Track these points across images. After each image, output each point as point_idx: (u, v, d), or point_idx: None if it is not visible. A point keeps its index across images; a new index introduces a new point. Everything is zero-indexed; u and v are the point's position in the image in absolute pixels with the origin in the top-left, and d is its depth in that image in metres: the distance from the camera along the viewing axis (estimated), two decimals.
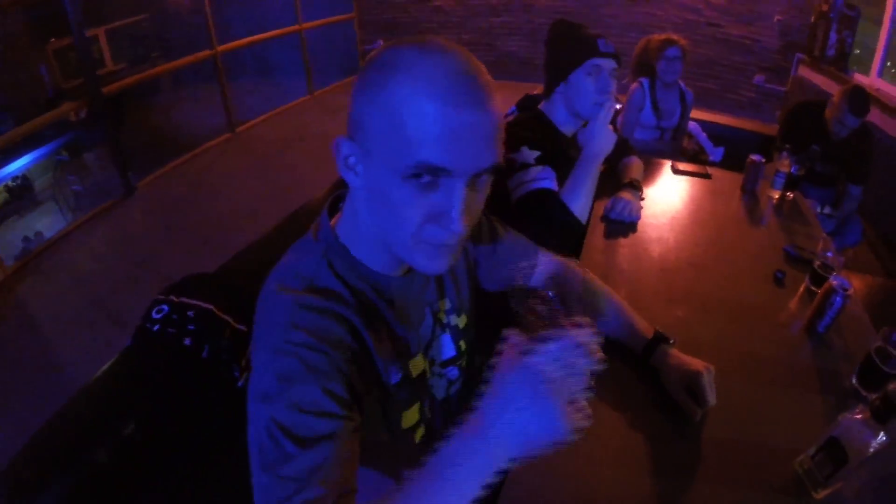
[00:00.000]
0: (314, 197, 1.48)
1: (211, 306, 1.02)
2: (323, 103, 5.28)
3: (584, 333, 0.46)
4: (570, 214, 1.27)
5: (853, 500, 0.78)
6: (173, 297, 1.01)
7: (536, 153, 1.27)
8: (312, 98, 5.37)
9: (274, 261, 0.69)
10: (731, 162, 2.50)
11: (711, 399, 0.85)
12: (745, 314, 1.23)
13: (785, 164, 1.82)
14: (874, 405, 0.75)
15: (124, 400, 0.89)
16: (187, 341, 0.98)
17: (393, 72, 0.53)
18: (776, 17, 4.45)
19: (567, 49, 1.30)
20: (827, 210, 2.58)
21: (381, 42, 5.54)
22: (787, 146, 1.86)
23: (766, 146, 2.70)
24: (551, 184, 1.28)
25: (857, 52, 4.13)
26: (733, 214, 1.81)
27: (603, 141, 1.28)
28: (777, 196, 1.87)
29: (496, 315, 0.80)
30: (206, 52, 4.14)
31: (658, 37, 2.52)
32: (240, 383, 1.04)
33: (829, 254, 1.34)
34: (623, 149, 1.77)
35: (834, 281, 1.16)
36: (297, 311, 0.56)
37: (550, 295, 0.65)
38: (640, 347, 0.96)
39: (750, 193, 1.89)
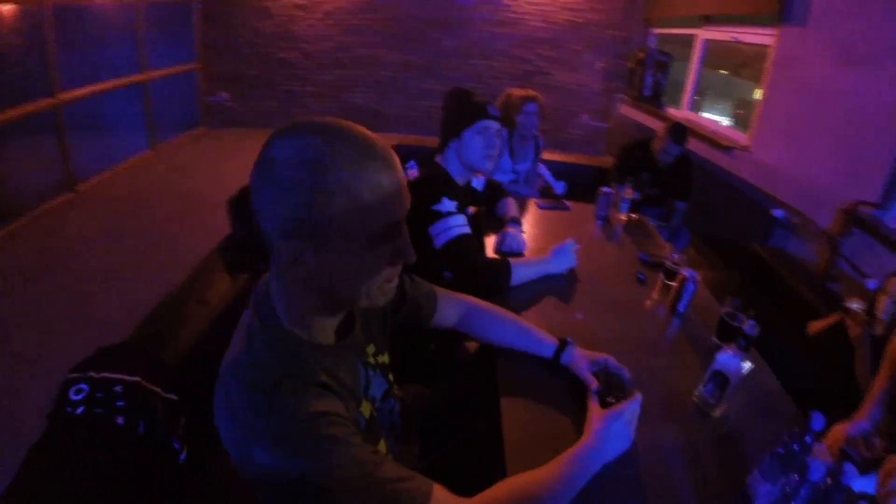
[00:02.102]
0: (203, 259, 1.58)
1: (137, 378, 1.05)
2: (167, 158, 5.11)
3: (635, 404, 1.04)
4: (487, 257, 1.65)
5: (738, 411, 1.26)
6: (92, 374, 1.02)
7: (455, 202, 1.58)
8: (154, 152, 5.13)
9: (182, 325, 0.79)
10: (574, 193, 3.12)
11: (626, 372, 1.21)
12: (623, 309, 1.74)
13: (629, 192, 2.52)
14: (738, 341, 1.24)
15: (56, 497, 0.88)
16: (120, 420, 0.99)
17: (322, 163, 0.63)
18: (599, 65, 5.62)
19: (461, 111, 1.66)
20: (661, 224, 3.33)
21: (226, 95, 5.62)
22: (630, 178, 2.46)
23: (600, 177, 3.43)
24: (469, 229, 1.60)
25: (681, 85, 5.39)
26: (594, 236, 2.33)
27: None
28: (625, 218, 2.53)
29: (407, 347, 1.21)
30: (49, 101, 3.80)
31: (518, 92, 3.05)
32: (182, 457, 1.07)
33: (675, 255, 1.92)
34: (498, 192, 2.17)
35: (686, 273, 1.72)
36: (306, 401, 0.66)
37: (624, 377, 1.18)
38: (550, 353, 1.27)
39: (603, 219, 2.47)
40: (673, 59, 5.14)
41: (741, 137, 4.11)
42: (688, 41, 4.85)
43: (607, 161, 5.11)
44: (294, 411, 0.64)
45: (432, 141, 3.65)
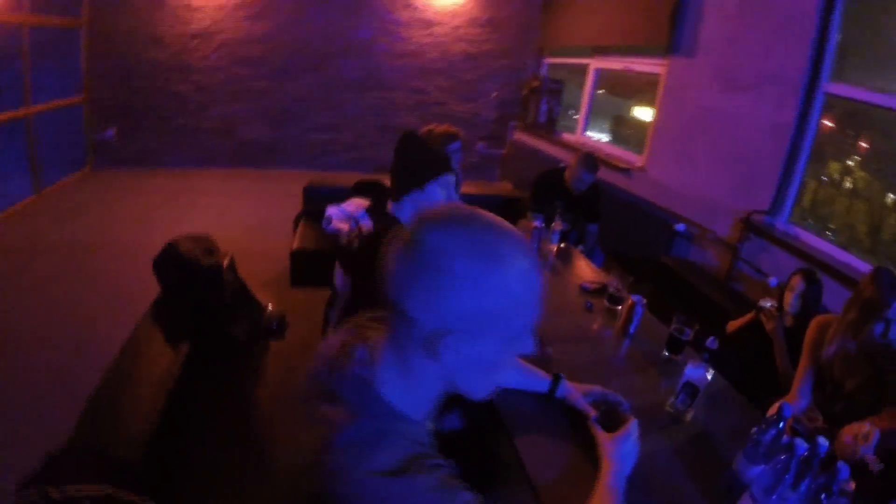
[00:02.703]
0: (134, 328, 1.50)
1: (106, 488, 0.96)
2: (55, 204, 4.53)
3: (634, 424, 1.18)
4: None
5: (703, 414, 1.48)
6: (51, 491, 0.91)
7: None
8: (40, 197, 4.53)
9: (132, 412, 0.78)
10: None
11: (621, 398, 1.36)
12: (580, 337, 1.92)
13: (558, 224, 2.75)
14: (701, 352, 1.41)
15: None
16: None
17: (494, 258, 0.64)
18: (493, 94, 6.02)
19: (425, 162, 1.71)
20: (580, 248, 3.61)
21: (113, 131, 5.16)
22: (569, 214, 2.70)
23: (507, 206, 3.68)
24: None
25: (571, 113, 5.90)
26: None
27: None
28: (555, 248, 2.75)
29: None
30: None
31: (439, 128, 3.13)
32: None
33: (613, 282, 2.16)
34: None
35: (634, 298, 1.92)
36: (430, 479, 0.67)
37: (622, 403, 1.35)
38: (545, 388, 1.40)
39: (537, 251, 2.68)
40: (564, 86, 5.67)
41: (636, 159, 4.61)
42: (577, 67, 5.40)
43: (507, 187, 5.47)
44: (432, 487, 0.66)
45: (344, 177, 3.72)
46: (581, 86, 5.38)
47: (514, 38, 5.77)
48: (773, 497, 1.06)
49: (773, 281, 3.29)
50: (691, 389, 1.43)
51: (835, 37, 3.10)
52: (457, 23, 5.45)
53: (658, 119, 4.33)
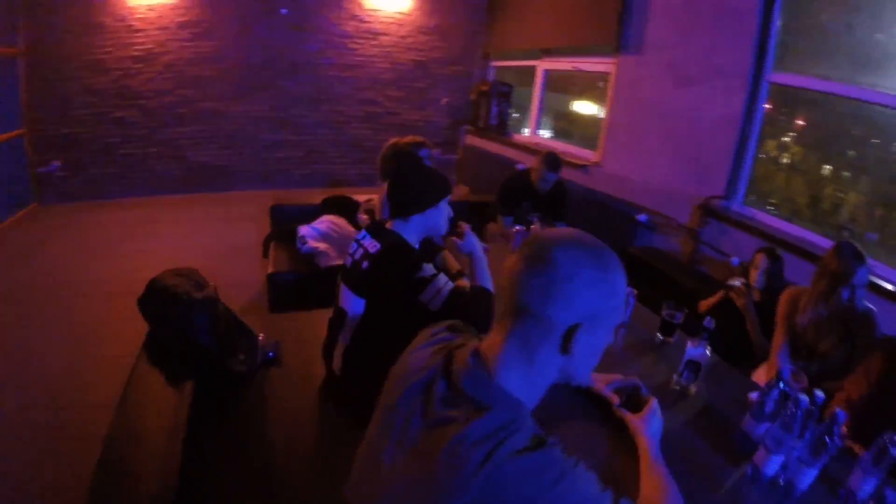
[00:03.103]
0: (130, 373, 1.50)
1: None
2: (3, 246, 4.22)
3: (656, 403, 1.35)
4: (485, 291, 1.78)
5: (704, 386, 1.69)
6: None
7: (430, 266, 1.73)
8: None
9: (148, 463, 0.85)
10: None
11: (639, 381, 1.50)
12: None
13: (538, 227, 2.91)
14: (700, 332, 1.64)
15: None
16: None
17: (609, 266, 0.85)
18: (443, 101, 6.16)
19: (432, 186, 1.80)
20: None
21: (58, 163, 4.88)
22: (537, 214, 2.82)
23: (475, 210, 3.79)
24: (452, 283, 1.75)
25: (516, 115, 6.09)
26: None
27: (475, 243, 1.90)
28: None
29: None
30: None
31: (405, 140, 3.20)
32: None
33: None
34: (433, 248, 2.45)
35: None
36: (559, 449, 0.79)
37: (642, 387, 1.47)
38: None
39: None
40: (514, 88, 5.86)
41: (591, 155, 4.83)
42: (524, 69, 5.60)
43: (464, 191, 5.59)
44: (564, 456, 0.78)
45: (307, 195, 3.72)
46: (524, 87, 5.59)
47: (462, 45, 5.92)
48: (784, 448, 1.26)
49: (734, 260, 3.55)
50: (694, 366, 1.64)
51: (776, 29, 3.39)
52: (404, 32, 5.55)
53: (610, 115, 4.55)
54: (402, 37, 5.56)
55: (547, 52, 5.30)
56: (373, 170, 5.90)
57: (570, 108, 5.82)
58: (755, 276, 2.72)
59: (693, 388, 1.67)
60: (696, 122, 3.87)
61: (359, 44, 5.41)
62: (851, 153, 3.62)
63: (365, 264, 1.71)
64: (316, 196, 3.59)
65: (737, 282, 2.73)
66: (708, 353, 1.65)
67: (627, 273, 2.12)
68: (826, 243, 3.35)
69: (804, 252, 3.18)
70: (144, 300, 1.72)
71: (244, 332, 1.91)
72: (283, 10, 5.04)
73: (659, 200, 4.14)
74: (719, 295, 2.81)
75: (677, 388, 1.67)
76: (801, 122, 3.74)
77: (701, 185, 3.84)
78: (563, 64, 5.18)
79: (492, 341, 0.86)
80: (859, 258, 2.08)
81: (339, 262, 3.03)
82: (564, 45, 5.02)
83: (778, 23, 3.38)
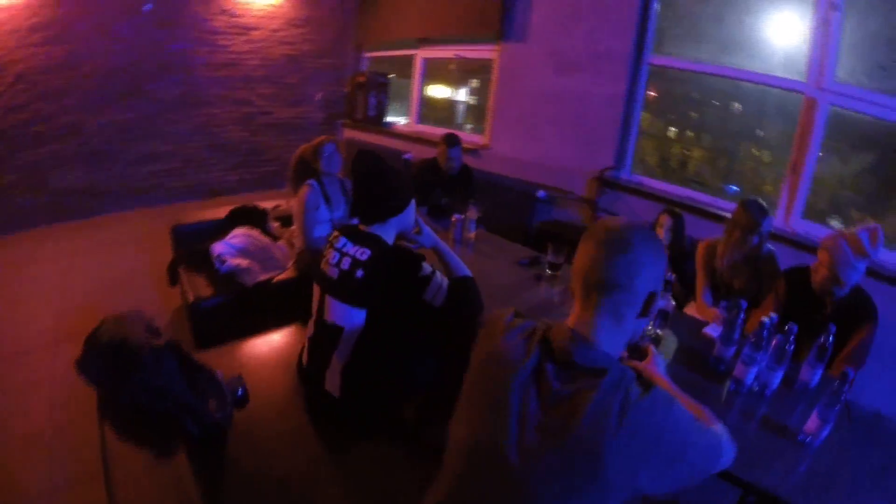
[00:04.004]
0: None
1: None
2: None
3: (654, 348, 1.47)
4: (470, 279, 1.80)
5: (670, 330, 2.03)
6: None
7: (427, 264, 1.67)
8: None
9: None
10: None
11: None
12: (546, 304, 2.25)
13: (473, 213, 2.94)
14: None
15: None
16: None
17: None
18: (318, 95, 5.85)
19: (405, 187, 1.76)
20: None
21: None
22: (448, 199, 2.83)
23: None
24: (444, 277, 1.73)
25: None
26: (464, 255, 2.60)
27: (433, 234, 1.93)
28: (473, 236, 2.98)
29: None
30: None
31: (312, 144, 3.02)
32: None
33: (550, 256, 2.51)
34: None
35: None
36: (658, 385, 0.95)
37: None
38: None
39: (461, 241, 2.87)
40: (391, 79, 5.76)
41: (479, 139, 4.91)
42: (399, 59, 5.54)
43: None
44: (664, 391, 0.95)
45: (201, 209, 3.29)
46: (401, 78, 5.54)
47: (334, 36, 5.64)
48: (756, 361, 1.69)
49: None
50: (664, 315, 1.97)
51: (655, 15, 3.71)
52: (275, 25, 5.13)
53: (496, 100, 4.65)
54: (274, 30, 5.15)
55: (425, 41, 5.26)
56: (253, 175, 5.55)
57: (426, 92, 5.82)
58: (661, 234, 3.01)
59: (662, 334, 1.99)
60: (583, 103, 4.11)
61: (230, 40, 4.89)
62: (694, 115, 4.13)
63: (360, 273, 1.58)
64: (220, 210, 3.23)
65: None
66: (672, 302, 2.02)
67: (541, 247, 2.48)
68: (703, 198, 3.81)
69: (689, 207, 3.59)
70: (88, 362, 1.41)
71: (205, 373, 1.66)
72: (147, 6, 4.35)
73: (554, 176, 4.35)
74: None
75: (651, 335, 1.95)
76: (651, 93, 4.10)
77: (593, 159, 4.10)
78: (443, 52, 5.18)
79: (580, 317, 1.00)
80: (764, 211, 2.45)
81: (266, 276, 2.78)
82: (445, 34, 5.01)
83: (656, 7, 3.70)
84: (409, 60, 5.57)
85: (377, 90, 5.69)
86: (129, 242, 4.01)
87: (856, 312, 2.06)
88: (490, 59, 4.68)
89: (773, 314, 1.79)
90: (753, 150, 4.04)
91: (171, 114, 4.74)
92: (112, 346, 1.42)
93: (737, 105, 3.95)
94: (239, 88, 5.10)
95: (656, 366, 1.45)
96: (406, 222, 1.80)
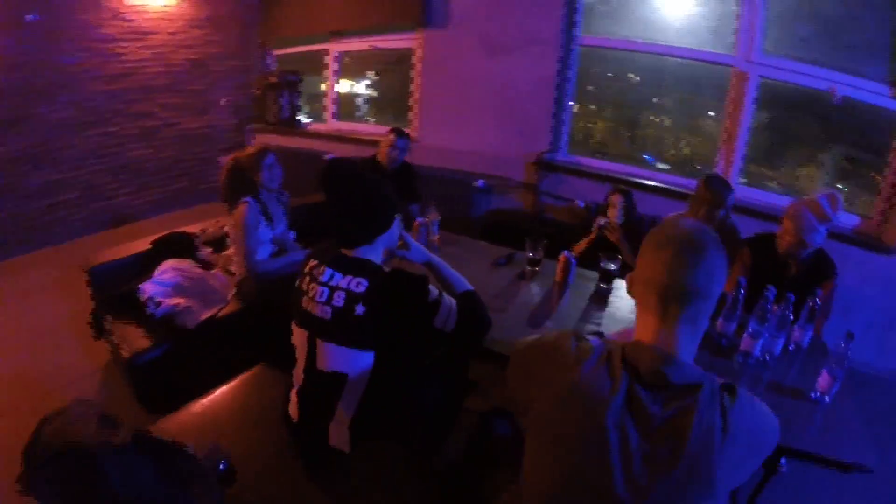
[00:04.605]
0: None
1: None
2: None
3: None
4: (474, 294, 1.62)
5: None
6: None
7: (431, 286, 1.45)
8: None
9: None
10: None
11: None
12: (530, 300, 2.19)
13: (435, 215, 2.72)
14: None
15: None
16: None
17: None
18: (226, 101, 5.27)
19: (390, 199, 1.52)
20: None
21: None
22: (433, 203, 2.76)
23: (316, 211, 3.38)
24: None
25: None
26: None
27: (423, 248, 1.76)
28: (437, 238, 2.75)
29: None
30: None
31: (244, 152, 2.61)
32: None
33: (529, 252, 2.39)
34: None
35: (566, 254, 2.28)
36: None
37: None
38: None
39: (427, 247, 2.62)
40: (303, 76, 5.32)
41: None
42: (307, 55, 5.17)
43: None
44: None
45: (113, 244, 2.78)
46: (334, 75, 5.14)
47: (239, 36, 5.09)
48: (762, 333, 1.74)
49: (580, 203, 3.80)
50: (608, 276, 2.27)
51: None
52: (174, 28, 4.49)
53: (420, 91, 4.41)
54: (174, 33, 4.51)
55: (338, 34, 4.88)
56: (163, 195, 4.92)
57: (315, 87, 5.51)
58: (614, 213, 2.98)
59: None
60: (514, 87, 3.99)
61: (125, 47, 4.20)
62: (593, 88, 4.14)
63: (360, 309, 1.34)
64: (141, 244, 2.75)
65: (601, 220, 2.98)
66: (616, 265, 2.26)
67: (491, 238, 2.73)
68: (643, 172, 3.83)
69: (629, 183, 3.60)
70: (33, 480, 1.04)
71: (181, 456, 1.32)
72: (32, 17, 3.58)
73: (490, 164, 4.21)
74: (592, 236, 2.99)
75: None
76: None
77: (528, 143, 4.00)
78: (358, 44, 4.83)
79: (659, 332, 0.93)
80: (728, 186, 2.51)
81: (209, 313, 2.41)
82: (361, 26, 4.66)
83: None
84: (314, 56, 5.20)
85: (289, 90, 5.24)
86: (38, 290, 3.36)
87: (818, 271, 2.20)
88: (410, 48, 4.44)
89: (741, 279, 1.94)
90: (653, 118, 4.16)
91: (64, 138, 4.02)
92: (60, 456, 1.06)
93: (633, 76, 4.02)
94: (138, 101, 4.44)
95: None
96: (393, 239, 1.57)
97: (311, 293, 1.40)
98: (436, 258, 1.70)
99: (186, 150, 5.03)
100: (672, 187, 3.59)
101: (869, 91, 3.09)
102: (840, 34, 3.19)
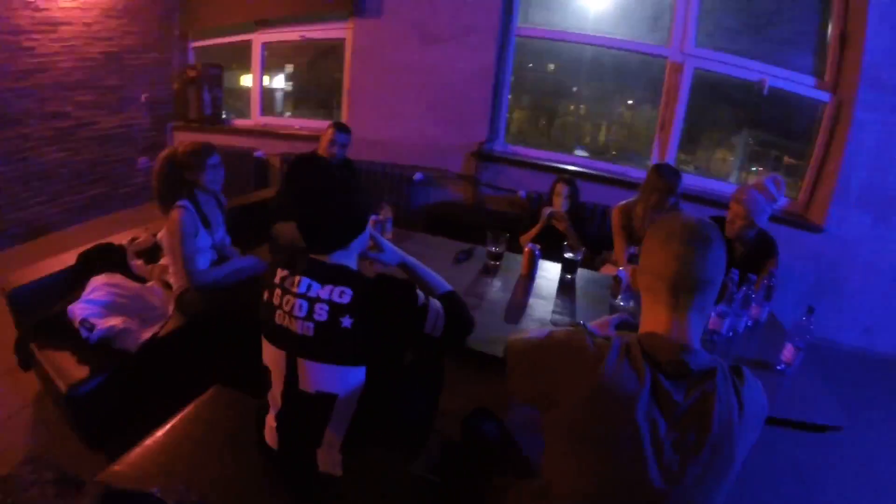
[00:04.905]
0: None
1: None
2: None
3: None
4: (455, 294, 1.54)
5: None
6: None
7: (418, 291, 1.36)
8: None
9: None
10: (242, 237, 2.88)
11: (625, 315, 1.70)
12: (499, 294, 2.17)
13: (388, 212, 2.60)
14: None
15: None
16: None
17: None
18: (143, 97, 4.84)
19: (367, 203, 1.41)
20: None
21: None
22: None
23: (254, 213, 3.19)
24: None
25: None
26: None
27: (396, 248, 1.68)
28: (392, 235, 2.65)
29: None
30: None
31: (184, 148, 2.34)
32: None
33: (490, 246, 2.40)
34: None
35: (530, 246, 2.32)
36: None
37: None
38: None
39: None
40: (224, 69, 4.98)
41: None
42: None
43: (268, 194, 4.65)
44: None
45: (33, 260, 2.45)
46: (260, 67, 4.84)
47: (157, 26, 4.68)
48: (728, 314, 1.84)
49: (523, 193, 3.81)
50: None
51: None
52: (89, 18, 4.03)
53: (352, 82, 4.27)
54: (88, 24, 4.05)
55: (264, 24, 4.60)
56: (80, 202, 4.47)
57: (229, 82, 5.25)
58: (560, 202, 3.02)
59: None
60: (450, 78, 3.95)
61: (36, 40, 3.71)
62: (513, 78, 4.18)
63: (346, 322, 1.22)
64: (37, 257, 2.43)
65: (549, 210, 3.01)
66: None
67: (433, 232, 2.84)
68: (580, 161, 3.90)
69: (568, 171, 3.67)
70: None
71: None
72: None
73: (427, 156, 4.16)
74: (540, 225, 3.02)
75: (630, 311, 1.96)
76: None
77: (465, 134, 4.00)
78: (286, 34, 4.59)
79: (673, 322, 0.97)
80: (678, 174, 2.58)
81: (150, 332, 2.20)
82: (288, 13, 4.43)
83: None
84: (234, 50, 4.94)
85: (211, 84, 4.89)
86: None
87: (763, 250, 2.38)
88: (341, 38, 4.30)
89: (632, 248, 2.12)
90: (571, 106, 4.26)
91: None
92: None
93: (551, 66, 4.09)
94: (51, 99, 3.98)
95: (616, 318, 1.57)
96: (366, 240, 1.46)
97: (287, 307, 1.26)
98: (409, 258, 1.60)
99: (104, 151, 4.61)
100: (611, 175, 3.73)
101: (795, 82, 3.31)
102: (768, 27, 3.40)
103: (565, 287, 2.24)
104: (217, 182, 2.42)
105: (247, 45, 4.80)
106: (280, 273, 1.31)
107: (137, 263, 2.65)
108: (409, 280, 1.42)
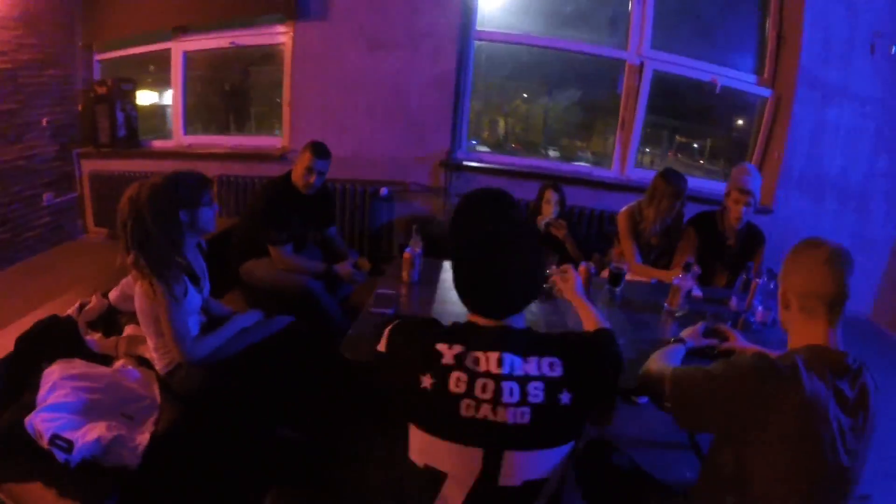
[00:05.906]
0: None
1: None
2: None
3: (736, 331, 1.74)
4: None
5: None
6: None
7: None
8: None
9: None
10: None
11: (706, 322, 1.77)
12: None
13: (418, 243, 2.17)
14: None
15: None
16: None
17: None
18: (44, 121, 3.94)
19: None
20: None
21: None
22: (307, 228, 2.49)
23: (217, 243, 2.65)
24: None
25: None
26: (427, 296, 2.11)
27: None
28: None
29: None
30: None
31: (163, 181, 1.79)
32: None
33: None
34: None
35: (584, 265, 2.09)
36: None
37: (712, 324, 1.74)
38: (683, 350, 1.64)
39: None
40: (136, 84, 4.23)
41: (277, 142, 4.02)
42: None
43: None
44: None
45: None
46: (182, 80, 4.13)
47: (59, 38, 3.87)
48: (761, 305, 1.94)
49: None
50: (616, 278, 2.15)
51: None
52: None
53: (293, 92, 3.79)
54: None
55: (184, 30, 3.93)
56: None
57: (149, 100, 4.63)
58: (550, 209, 2.89)
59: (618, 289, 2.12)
60: (406, 86, 3.65)
61: None
62: None
63: (565, 398, 0.97)
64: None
65: (545, 220, 2.88)
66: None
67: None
68: (536, 162, 3.76)
69: (536, 175, 3.55)
70: None
71: None
72: None
73: (383, 169, 3.81)
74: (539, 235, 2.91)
75: (707, 319, 1.85)
76: None
77: (425, 144, 3.71)
78: (213, 41, 3.99)
79: (829, 332, 1.07)
80: (682, 178, 2.53)
81: (146, 432, 1.55)
82: (215, 18, 3.86)
83: None
84: (145, 62, 4.34)
85: (123, 101, 4.14)
86: None
87: (753, 239, 2.50)
88: (278, 44, 3.80)
89: (689, 257, 2.16)
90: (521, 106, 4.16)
91: None
92: None
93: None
94: None
95: (744, 341, 1.65)
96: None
97: (486, 395, 0.96)
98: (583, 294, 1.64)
99: (2, 190, 3.70)
100: (580, 177, 3.65)
101: (740, 80, 3.38)
102: (714, 31, 3.46)
103: (613, 300, 2.13)
104: (211, 221, 1.91)
105: (162, 56, 4.12)
106: (454, 349, 0.99)
107: (95, 338, 2.03)
108: (608, 329, 1.33)
